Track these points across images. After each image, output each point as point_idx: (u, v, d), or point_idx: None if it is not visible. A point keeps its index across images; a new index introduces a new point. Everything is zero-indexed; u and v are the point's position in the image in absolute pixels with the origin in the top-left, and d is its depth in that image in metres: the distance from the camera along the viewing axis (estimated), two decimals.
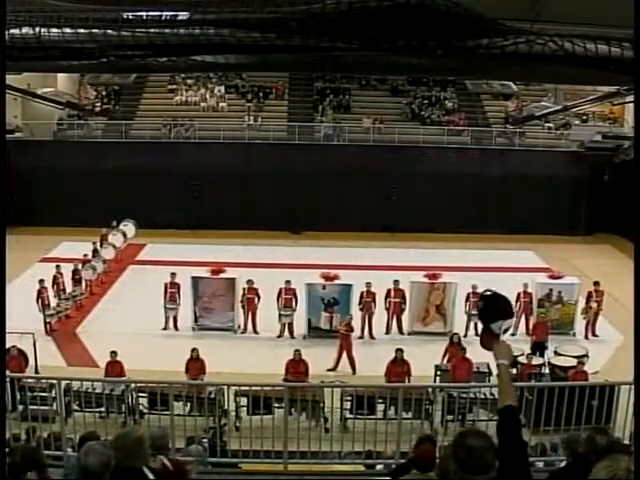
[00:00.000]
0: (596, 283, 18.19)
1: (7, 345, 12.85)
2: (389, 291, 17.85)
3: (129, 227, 24.56)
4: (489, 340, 3.53)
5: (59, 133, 29.32)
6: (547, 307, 17.84)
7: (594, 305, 17.94)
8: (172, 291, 18.03)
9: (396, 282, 17.87)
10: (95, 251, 22.02)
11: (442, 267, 19.47)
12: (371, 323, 17.70)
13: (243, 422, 11.50)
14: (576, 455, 4.90)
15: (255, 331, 17.87)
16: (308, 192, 27.37)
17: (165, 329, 17.98)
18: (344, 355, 15.71)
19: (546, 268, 22.30)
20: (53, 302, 18.17)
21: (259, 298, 17.72)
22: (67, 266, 19.65)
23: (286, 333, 17.69)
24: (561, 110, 28.31)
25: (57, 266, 19.24)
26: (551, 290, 17.95)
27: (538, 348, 15.58)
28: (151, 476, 3.84)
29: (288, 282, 17.69)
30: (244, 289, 17.78)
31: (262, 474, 8.14)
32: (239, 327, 18.04)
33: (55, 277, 18.75)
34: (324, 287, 17.60)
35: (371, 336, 17.65)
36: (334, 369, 15.52)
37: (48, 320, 17.55)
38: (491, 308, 3.59)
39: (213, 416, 11.42)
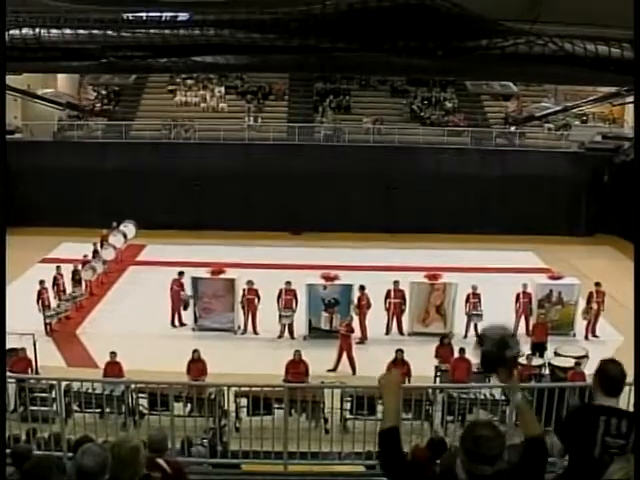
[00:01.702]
0: (597, 284, 18.15)
1: (14, 346, 12.94)
2: (389, 292, 17.83)
3: (129, 228, 24.52)
4: (505, 376, 3.44)
5: (59, 134, 29.29)
6: (547, 308, 17.83)
7: (595, 306, 17.93)
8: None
9: (396, 283, 17.85)
10: (95, 252, 22.00)
11: (442, 267, 19.46)
12: (364, 325, 17.44)
13: (243, 423, 11.47)
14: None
15: (255, 332, 17.86)
16: (308, 193, 27.32)
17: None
18: (344, 356, 15.71)
19: (546, 269, 22.27)
20: (53, 303, 18.17)
21: (259, 299, 17.71)
22: (67, 267, 19.64)
23: (286, 334, 17.67)
24: (561, 111, 28.29)
25: (57, 267, 19.24)
26: (551, 291, 17.95)
27: (538, 349, 15.57)
28: None
29: (288, 283, 17.69)
30: (244, 290, 17.77)
31: (262, 475, 8.14)
32: (239, 328, 18.04)
33: (55, 278, 18.74)
34: (325, 287, 17.60)
35: (363, 339, 17.35)
36: (334, 370, 15.52)
37: (48, 321, 17.55)
38: (491, 361, 3.43)
39: (213, 417, 11.40)
